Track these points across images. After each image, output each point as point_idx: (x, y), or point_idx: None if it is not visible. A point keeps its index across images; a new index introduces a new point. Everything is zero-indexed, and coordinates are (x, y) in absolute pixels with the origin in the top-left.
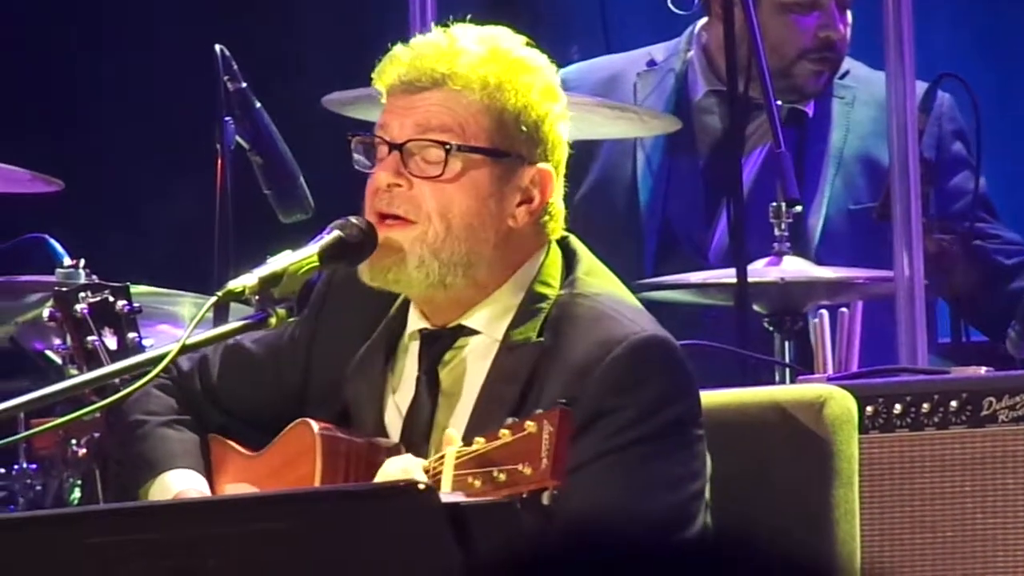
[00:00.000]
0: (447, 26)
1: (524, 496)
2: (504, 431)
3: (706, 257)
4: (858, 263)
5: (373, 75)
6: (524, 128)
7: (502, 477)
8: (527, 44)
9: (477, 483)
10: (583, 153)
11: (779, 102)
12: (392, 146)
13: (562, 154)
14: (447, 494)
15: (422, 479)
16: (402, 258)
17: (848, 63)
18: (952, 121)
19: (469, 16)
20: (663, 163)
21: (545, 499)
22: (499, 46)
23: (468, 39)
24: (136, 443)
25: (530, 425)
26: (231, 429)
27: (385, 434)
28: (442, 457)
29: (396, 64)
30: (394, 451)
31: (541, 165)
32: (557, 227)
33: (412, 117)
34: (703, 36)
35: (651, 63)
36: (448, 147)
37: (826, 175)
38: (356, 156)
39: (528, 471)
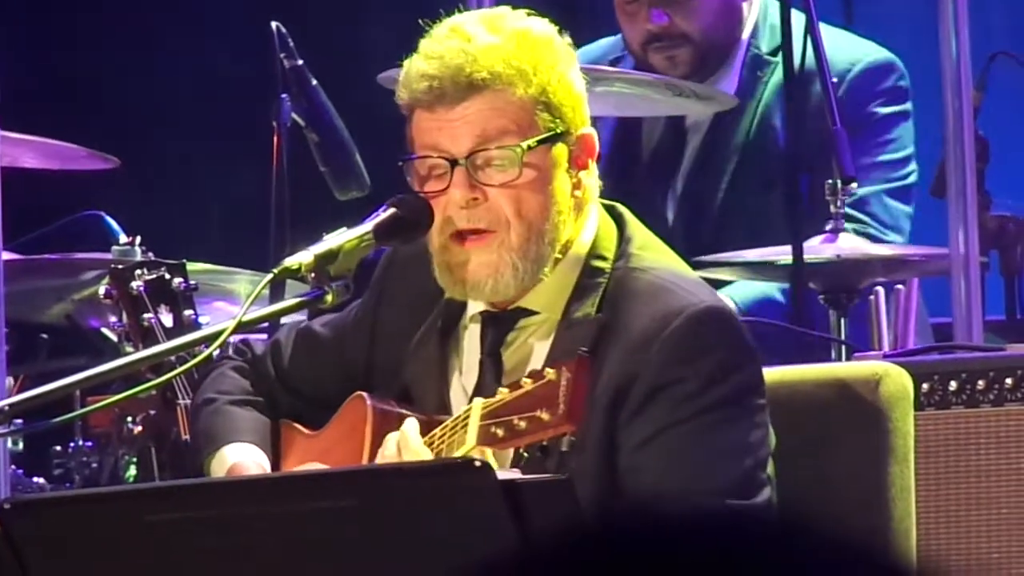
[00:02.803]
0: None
1: (544, 444)
2: (526, 380)
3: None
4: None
5: (397, 92)
6: (564, 101)
7: (522, 424)
8: (528, 14)
9: (500, 432)
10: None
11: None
12: (454, 162)
13: (586, 107)
14: (503, 471)
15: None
16: (495, 270)
17: None
18: None
19: None
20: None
21: (564, 445)
22: (514, 28)
23: (479, 31)
24: (204, 419)
25: (549, 372)
26: (303, 413)
27: (448, 414)
28: (468, 411)
29: (423, 78)
30: None
31: (584, 130)
32: (590, 189)
33: (466, 128)
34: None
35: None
36: (515, 149)
37: None
38: (410, 180)
39: (546, 416)
